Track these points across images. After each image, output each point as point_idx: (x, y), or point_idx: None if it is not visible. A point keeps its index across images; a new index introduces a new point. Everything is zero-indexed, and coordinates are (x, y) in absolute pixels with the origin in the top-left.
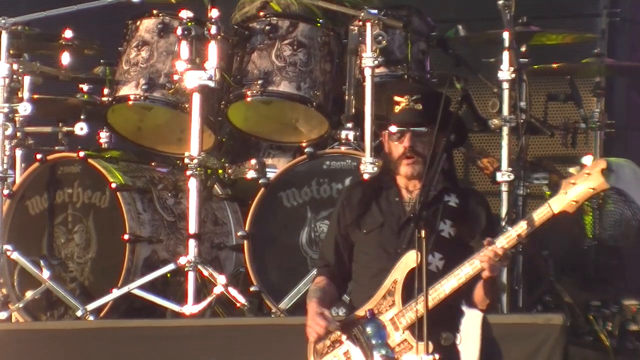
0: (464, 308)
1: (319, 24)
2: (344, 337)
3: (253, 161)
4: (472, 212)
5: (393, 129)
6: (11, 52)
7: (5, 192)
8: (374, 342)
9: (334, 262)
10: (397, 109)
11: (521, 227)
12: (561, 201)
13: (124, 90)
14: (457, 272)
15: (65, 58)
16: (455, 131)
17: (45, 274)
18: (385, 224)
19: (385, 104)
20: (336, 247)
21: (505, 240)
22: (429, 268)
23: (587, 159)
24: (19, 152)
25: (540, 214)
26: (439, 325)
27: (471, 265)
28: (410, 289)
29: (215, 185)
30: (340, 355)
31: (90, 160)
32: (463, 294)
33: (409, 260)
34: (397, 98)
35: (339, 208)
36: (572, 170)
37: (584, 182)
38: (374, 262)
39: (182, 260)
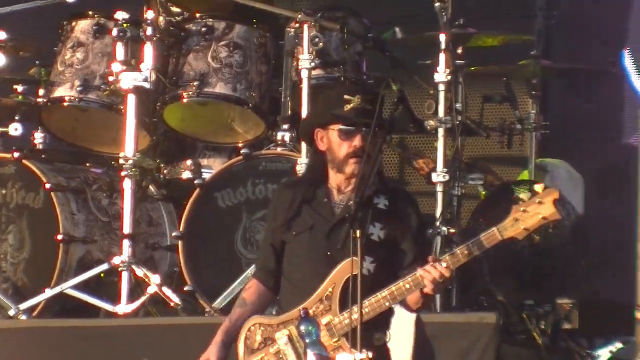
0: (396, 307)
1: (255, 26)
2: (277, 335)
3: (189, 162)
4: (402, 213)
5: (341, 128)
6: None
7: None
8: (307, 340)
9: (270, 264)
10: (348, 107)
11: (467, 249)
12: (511, 228)
13: (59, 92)
14: (399, 287)
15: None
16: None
17: None
18: (315, 226)
19: (328, 101)
20: (271, 249)
21: (451, 260)
22: (362, 272)
23: (538, 187)
24: None
25: (488, 239)
26: (372, 325)
27: (412, 283)
28: (347, 296)
29: (150, 186)
30: (270, 354)
31: (24, 161)
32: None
33: (348, 267)
34: (347, 97)
35: (271, 211)
36: (522, 196)
37: (535, 210)
38: (304, 264)
39: (116, 260)
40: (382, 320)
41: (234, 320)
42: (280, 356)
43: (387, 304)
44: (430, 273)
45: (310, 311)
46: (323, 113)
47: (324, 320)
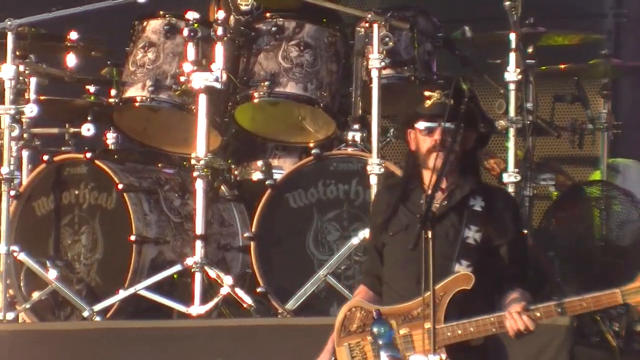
0: None
1: (325, 25)
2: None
3: (259, 162)
4: (499, 215)
5: (422, 124)
6: (17, 53)
7: (12, 193)
8: (381, 342)
9: (375, 268)
10: (428, 103)
11: (573, 305)
12: (635, 294)
13: (130, 92)
14: (485, 322)
15: (71, 59)
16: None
17: (52, 274)
18: (410, 225)
19: (412, 100)
20: (375, 253)
21: (544, 313)
22: None
23: None
24: (25, 154)
25: (608, 299)
26: None
27: (498, 324)
28: (451, 306)
29: (222, 187)
30: (367, 341)
31: (96, 162)
32: (495, 294)
33: (464, 280)
34: (428, 93)
35: (371, 215)
36: None
37: None
38: (401, 264)
39: (189, 261)
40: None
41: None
42: (374, 347)
43: (460, 332)
44: (515, 322)
45: (415, 312)
46: (408, 113)
47: (427, 325)
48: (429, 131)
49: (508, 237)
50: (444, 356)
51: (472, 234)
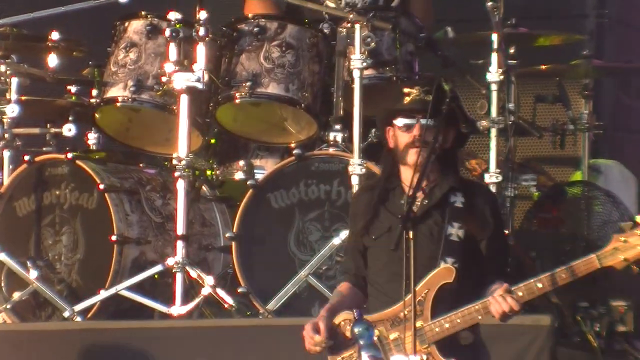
0: None
1: (307, 25)
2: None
3: (241, 162)
4: (479, 210)
5: (400, 121)
6: None
7: None
8: (362, 342)
9: (355, 268)
10: (407, 99)
11: (552, 278)
12: (610, 257)
13: (112, 92)
14: (470, 311)
15: (52, 60)
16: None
17: (33, 275)
18: (393, 227)
19: (390, 98)
20: (357, 254)
21: (526, 292)
22: None
23: None
24: (6, 154)
25: (586, 265)
26: None
27: (483, 310)
28: (438, 303)
29: (204, 187)
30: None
31: (78, 162)
32: (481, 293)
33: (444, 273)
34: (407, 89)
35: (351, 216)
36: (623, 225)
37: (637, 241)
38: (385, 266)
39: (170, 262)
40: None
41: (335, 304)
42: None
43: (447, 326)
44: (499, 305)
45: (401, 314)
46: (386, 110)
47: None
48: (408, 127)
49: (488, 231)
50: (424, 357)
51: (455, 231)
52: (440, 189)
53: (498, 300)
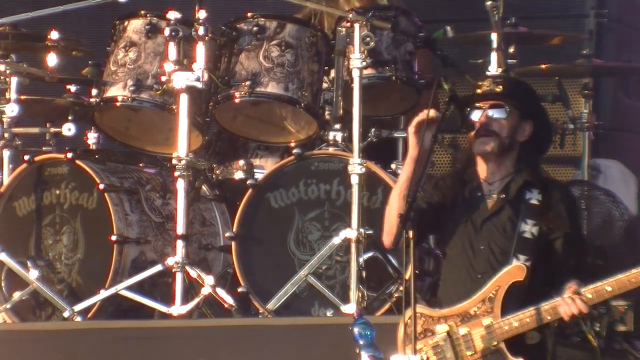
0: None
1: (306, 25)
2: (437, 329)
3: (241, 162)
4: (555, 209)
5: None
6: None
7: None
8: (362, 342)
9: (423, 204)
10: (479, 91)
11: (621, 283)
12: None
13: (111, 92)
14: (533, 314)
15: (52, 59)
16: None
17: (33, 274)
18: (470, 219)
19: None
20: (427, 198)
21: (596, 295)
22: None
23: None
24: (6, 153)
25: None
26: None
27: (552, 311)
28: (509, 301)
29: (203, 186)
30: (429, 346)
31: (77, 161)
32: (552, 292)
33: (516, 271)
34: (479, 82)
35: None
36: None
37: None
38: (458, 257)
39: (170, 261)
40: None
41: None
42: (438, 350)
43: (516, 324)
44: (569, 306)
45: (472, 311)
46: (464, 97)
47: (485, 322)
48: (477, 115)
49: (564, 230)
50: (424, 356)
51: (528, 228)
52: (515, 183)
53: (567, 302)
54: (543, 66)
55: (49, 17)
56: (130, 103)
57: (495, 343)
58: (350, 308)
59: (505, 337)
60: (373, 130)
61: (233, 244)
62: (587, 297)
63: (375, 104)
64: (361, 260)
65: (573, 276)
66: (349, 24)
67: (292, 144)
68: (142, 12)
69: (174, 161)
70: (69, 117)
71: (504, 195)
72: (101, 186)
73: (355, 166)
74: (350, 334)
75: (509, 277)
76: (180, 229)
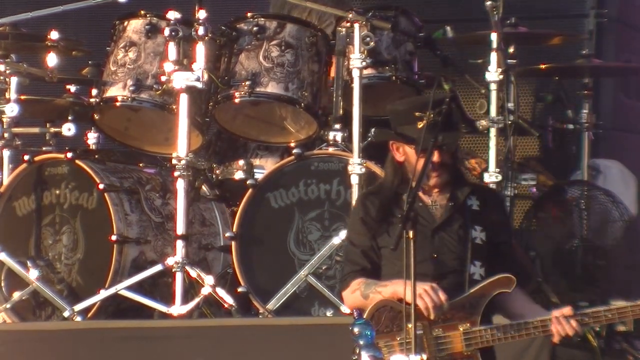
0: None
1: (306, 25)
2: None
3: (241, 162)
4: (494, 213)
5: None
6: None
7: None
8: (362, 342)
9: (367, 264)
10: (420, 125)
11: (622, 312)
12: None
13: (111, 92)
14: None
15: (52, 59)
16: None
17: (33, 274)
18: (417, 230)
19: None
20: (365, 253)
21: (593, 319)
22: (473, 278)
23: None
24: (6, 153)
25: None
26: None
27: (542, 329)
28: (490, 310)
29: (203, 186)
30: (396, 340)
31: (77, 161)
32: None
33: (504, 282)
34: (418, 114)
35: (359, 218)
36: None
37: None
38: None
39: (170, 261)
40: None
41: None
42: (403, 348)
43: (500, 335)
44: (563, 327)
45: (449, 314)
46: (395, 130)
47: (461, 328)
48: (424, 154)
49: (505, 234)
50: (424, 356)
51: (478, 234)
52: (462, 192)
53: (562, 322)
54: (543, 66)
55: (49, 17)
56: (130, 103)
57: (470, 350)
58: None
59: (484, 346)
60: (373, 130)
61: (233, 243)
62: (584, 320)
63: (376, 104)
64: None
65: (527, 280)
66: (349, 24)
67: (292, 144)
68: (142, 12)
69: (174, 161)
70: (69, 117)
71: (452, 204)
72: (101, 186)
73: (355, 166)
74: (350, 334)
75: (495, 286)
76: (180, 229)
